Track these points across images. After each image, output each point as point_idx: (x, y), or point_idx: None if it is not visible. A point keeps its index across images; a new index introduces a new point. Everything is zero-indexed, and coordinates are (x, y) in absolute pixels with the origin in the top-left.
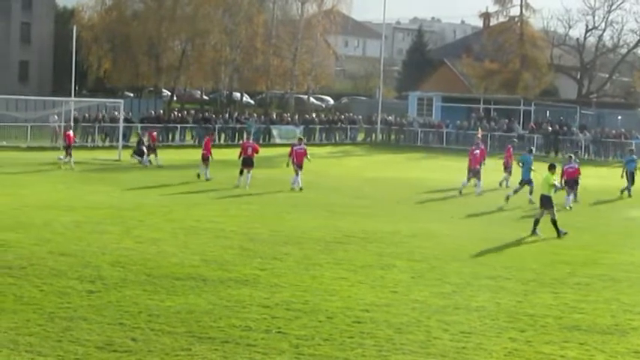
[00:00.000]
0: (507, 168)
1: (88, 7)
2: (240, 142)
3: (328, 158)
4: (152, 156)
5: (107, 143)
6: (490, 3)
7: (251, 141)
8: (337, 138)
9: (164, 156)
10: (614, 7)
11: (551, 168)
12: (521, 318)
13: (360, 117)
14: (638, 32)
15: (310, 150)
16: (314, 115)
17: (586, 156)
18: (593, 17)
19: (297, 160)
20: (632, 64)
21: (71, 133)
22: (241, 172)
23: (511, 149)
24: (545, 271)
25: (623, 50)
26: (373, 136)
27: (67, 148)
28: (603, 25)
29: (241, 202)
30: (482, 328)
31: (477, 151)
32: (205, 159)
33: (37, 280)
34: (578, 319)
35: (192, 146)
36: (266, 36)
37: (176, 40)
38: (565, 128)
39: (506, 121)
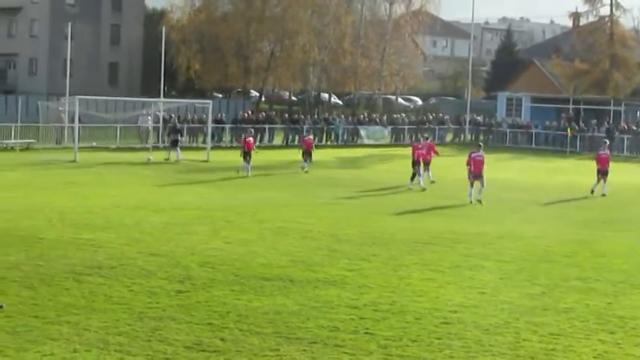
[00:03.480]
0: None
1: (177, 8)
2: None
3: None
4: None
5: (195, 144)
6: (580, 2)
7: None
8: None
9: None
10: None
11: None
12: (611, 320)
13: (449, 117)
14: None
15: (398, 151)
16: (402, 116)
17: None
18: None
19: (475, 169)
20: None
21: (251, 139)
22: (414, 176)
23: None
24: (636, 273)
25: None
26: (462, 136)
27: (246, 155)
28: None
29: (328, 203)
30: (571, 330)
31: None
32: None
33: (127, 279)
34: None
35: (282, 147)
36: (354, 37)
37: (264, 41)
38: None
39: (605, 122)
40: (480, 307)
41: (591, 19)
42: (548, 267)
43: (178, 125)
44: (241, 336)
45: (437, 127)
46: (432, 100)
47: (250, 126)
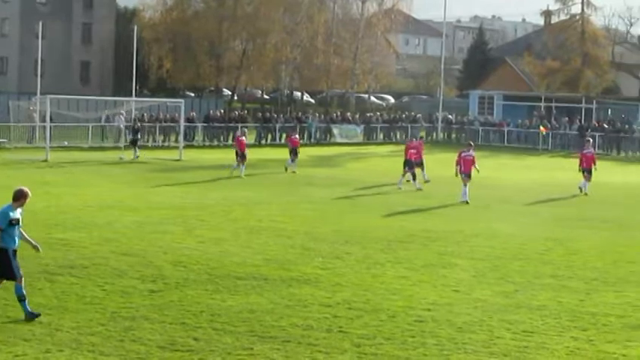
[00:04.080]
0: None
1: (149, 7)
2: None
3: (389, 157)
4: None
5: (167, 143)
6: (551, 1)
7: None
8: (398, 137)
9: (225, 155)
10: None
11: None
12: (584, 317)
13: (421, 116)
14: None
15: (371, 149)
16: (377, 114)
17: None
18: None
19: (465, 168)
20: None
21: (243, 138)
22: (414, 177)
23: None
24: (608, 270)
25: None
26: (434, 134)
27: (237, 155)
28: None
29: (302, 202)
30: (544, 327)
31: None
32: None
33: (100, 279)
34: None
35: (254, 145)
36: (327, 35)
37: (237, 40)
38: (627, 126)
39: (577, 120)
40: (453, 305)
41: (563, 17)
42: (521, 265)
43: (137, 125)
44: (215, 335)
45: (409, 126)
46: (405, 99)
47: (241, 124)
